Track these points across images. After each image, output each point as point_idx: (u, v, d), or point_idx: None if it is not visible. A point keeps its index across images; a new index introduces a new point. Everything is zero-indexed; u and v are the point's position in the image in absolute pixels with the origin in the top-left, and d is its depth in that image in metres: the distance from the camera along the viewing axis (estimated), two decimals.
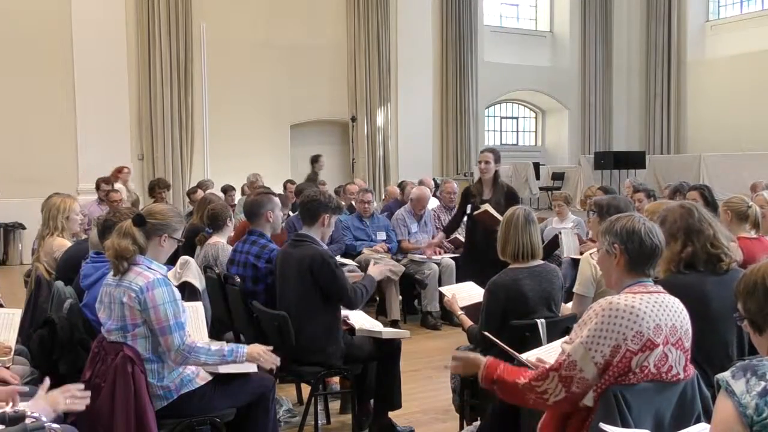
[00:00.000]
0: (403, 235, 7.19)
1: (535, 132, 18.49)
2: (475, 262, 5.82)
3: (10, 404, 2.36)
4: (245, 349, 3.09)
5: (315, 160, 11.76)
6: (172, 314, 2.88)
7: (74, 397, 2.44)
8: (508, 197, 5.77)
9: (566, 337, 2.36)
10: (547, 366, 2.31)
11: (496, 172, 5.91)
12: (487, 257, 5.62)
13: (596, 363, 2.23)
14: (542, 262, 3.57)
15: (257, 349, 3.12)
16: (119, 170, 10.06)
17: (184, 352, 2.89)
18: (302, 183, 9.83)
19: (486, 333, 3.28)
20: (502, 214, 5.47)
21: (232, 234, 5.24)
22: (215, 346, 3.02)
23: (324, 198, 3.98)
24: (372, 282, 4.08)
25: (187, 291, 3.89)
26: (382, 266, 4.26)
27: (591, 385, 2.25)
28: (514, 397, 2.41)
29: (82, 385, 2.54)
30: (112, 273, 2.97)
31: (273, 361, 3.14)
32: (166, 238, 3.04)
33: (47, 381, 2.47)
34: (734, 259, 2.99)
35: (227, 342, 3.99)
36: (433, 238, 7.39)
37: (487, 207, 5.65)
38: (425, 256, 6.90)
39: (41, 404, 2.36)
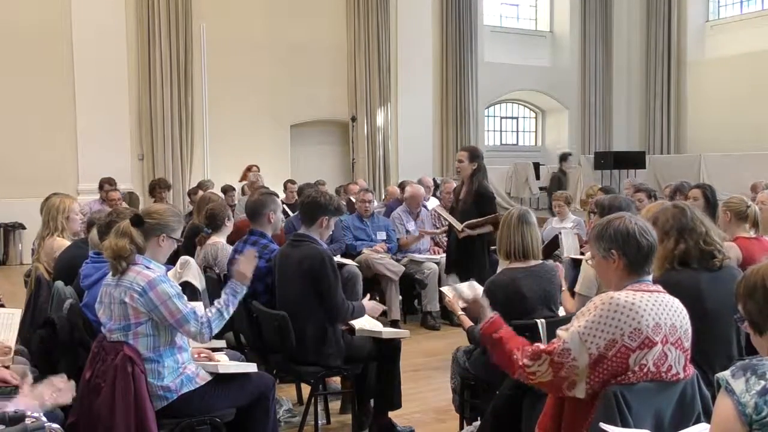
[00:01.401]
0: (401, 233, 7.22)
1: (535, 132, 18.48)
2: (449, 258, 5.97)
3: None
4: (235, 284, 3.16)
5: (564, 158, 11.71)
6: (182, 305, 2.92)
7: (58, 389, 2.44)
8: (475, 198, 5.59)
9: (562, 326, 2.36)
10: (541, 347, 2.32)
11: (474, 170, 5.62)
12: (454, 255, 5.68)
13: (590, 354, 2.23)
14: (541, 261, 3.58)
15: (240, 270, 3.19)
16: (249, 169, 10.26)
17: (204, 328, 2.96)
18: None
19: None
20: (470, 215, 5.53)
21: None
22: (216, 306, 3.07)
23: (323, 200, 3.97)
24: (361, 310, 4.00)
25: (188, 291, 3.89)
26: (376, 306, 4.19)
27: (580, 375, 2.25)
28: (503, 364, 2.45)
29: (64, 376, 2.53)
30: (111, 273, 2.98)
31: (252, 257, 3.22)
32: (165, 238, 3.04)
33: (30, 376, 2.46)
34: (727, 256, 3.02)
35: (227, 343, 4.02)
36: (432, 238, 7.43)
37: (436, 207, 5.75)
38: (424, 256, 6.94)
39: (26, 400, 2.35)
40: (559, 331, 2.33)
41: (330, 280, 3.77)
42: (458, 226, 5.56)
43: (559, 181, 13.22)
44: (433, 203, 8.02)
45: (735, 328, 2.82)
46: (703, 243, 2.94)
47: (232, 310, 3.11)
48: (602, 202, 3.98)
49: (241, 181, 10.47)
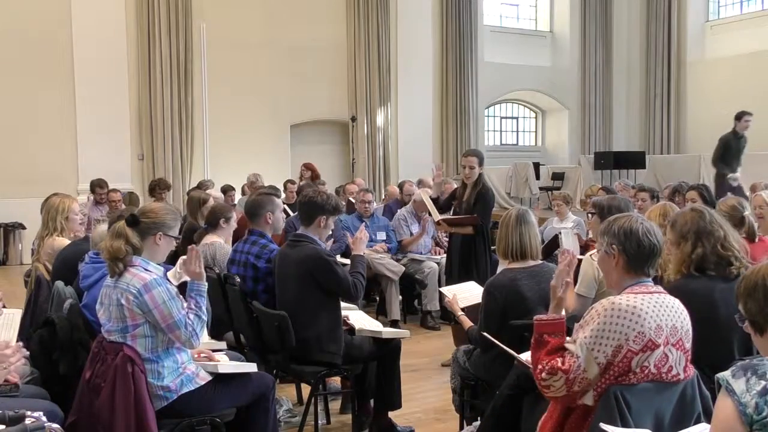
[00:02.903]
0: (405, 235, 7.21)
1: (535, 132, 18.48)
2: (451, 259, 5.93)
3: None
4: (196, 285, 3.11)
5: (738, 117, 9.72)
6: (176, 310, 2.90)
7: (5, 356, 2.43)
8: (476, 198, 5.57)
9: (569, 338, 2.35)
10: (559, 364, 2.29)
11: (480, 173, 5.64)
12: (457, 256, 5.67)
13: (599, 363, 2.23)
14: (541, 262, 3.58)
15: (191, 270, 3.13)
16: (306, 167, 10.35)
17: (191, 336, 2.95)
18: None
19: (485, 334, 3.28)
20: (469, 212, 5.53)
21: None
22: (191, 313, 3.00)
23: (321, 199, 3.96)
24: (362, 261, 4.02)
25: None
26: (358, 241, 4.09)
27: (592, 385, 2.26)
28: (533, 362, 2.39)
29: (11, 342, 2.54)
30: (109, 275, 2.98)
31: (195, 256, 3.12)
32: (162, 237, 3.03)
33: None
34: (744, 264, 2.94)
35: (227, 343, 4.02)
36: (433, 238, 7.43)
37: (422, 194, 5.84)
38: (425, 256, 6.94)
39: None
40: (568, 345, 2.32)
41: (335, 276, 3.79)
42: (436, 216, 5.61)
43: (726, 146, 9.87)
44: None
45: (746, 339, 2.78)
46: (721, 248, 2.90)
47: (205, 310, 3.07)
48: (600, 202, 3.94)
49: (300, 180, 10.25)
